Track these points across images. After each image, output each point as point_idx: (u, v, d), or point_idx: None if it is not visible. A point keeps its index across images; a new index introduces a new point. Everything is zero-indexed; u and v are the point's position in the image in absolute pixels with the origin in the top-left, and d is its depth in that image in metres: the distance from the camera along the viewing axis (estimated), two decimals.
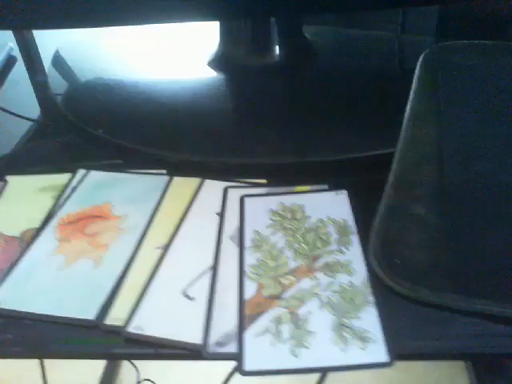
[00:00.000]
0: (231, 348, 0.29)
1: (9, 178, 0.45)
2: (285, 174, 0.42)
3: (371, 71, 0.55)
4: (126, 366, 1.15)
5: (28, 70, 0.67)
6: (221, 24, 0.55)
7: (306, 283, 0.32)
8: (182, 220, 0.38)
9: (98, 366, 1.14)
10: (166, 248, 0.36)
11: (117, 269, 0.35)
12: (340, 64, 0.56)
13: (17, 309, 0.33)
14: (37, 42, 0.72)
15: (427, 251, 0.33)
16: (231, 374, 1.03)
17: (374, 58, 0.58)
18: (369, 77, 0.53)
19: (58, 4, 0.47)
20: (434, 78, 0.44)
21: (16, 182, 0.44)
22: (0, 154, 0.50)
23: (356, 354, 0.28)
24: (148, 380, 0.98)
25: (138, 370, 0.97)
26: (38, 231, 0.39)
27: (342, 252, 0.34)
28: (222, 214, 0.38)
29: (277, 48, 0.53)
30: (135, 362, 0.99)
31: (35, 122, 0.56)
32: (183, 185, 0.42)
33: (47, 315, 0.32)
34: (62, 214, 0.40)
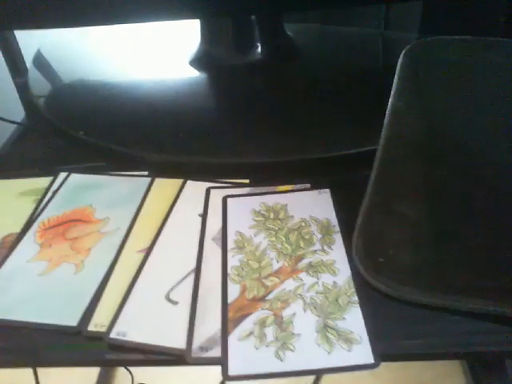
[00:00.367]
0: (215, 352, 0.28)
1: None
2: (267, 174, 0.41)
3: (354, 68, 0.55)
4: (120, 371, 1.15)
5: (10, 71, 0.66)
6: (201, 22, 0.54)
7: (289, 284, 0.32)
8: (164, 222, 0.38)
9: (92, 371, 1.13)
10: (148, 251, 0.36)
11: (99, 273, 0.34)
12: (322, 61, 0.55)
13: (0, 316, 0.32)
14: (18, 42, 0.71)
15: (411, 249, 0.33)
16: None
17: (357, 54, 0.58)
18: (352, 74, 0.53)
19: (39, 4, 0.46)
20: (416, 74, 0.44)
21: None
22: None
23: (341, 356, 0.28)
24: None
25: (132, 375, 0.97)
26: (19, 237, 0.38)
27: (325, 252, 0.34)
28: (204, 216, 0.38)
29: (259, 46, 0.53)
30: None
31: (16, 124, 0.55)
32: (165, 186, 0.42)
33: (30, 322, 0.32)
34: (43, 218, 0.40)
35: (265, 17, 0.52)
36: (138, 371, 1.02)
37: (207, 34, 0.54)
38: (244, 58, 0.53)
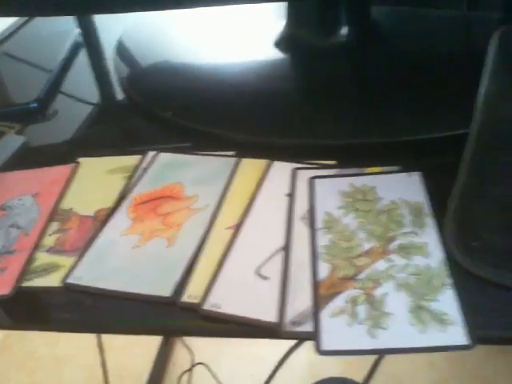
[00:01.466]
0: (307, 327, 0.29)
1: (80, 159, 0.46)
2: (354, 155, 0.41)
3: (439, 50, 0.53)
4: (179, 349, 1.18)
5: (94, 55, 0.68)
6: (288, 3, 0.54)
7: (380, 265, 0.32)
8: (251, 201, 0.38)
9: (151, 347, 1.17)
10: (237, 228, 0.36)
11: (190, 248, 0.35)
12: (407, 43, 0.54)
13: (95, 285, 0.34)
14: (101, 27, 0.74)
15: (506, 233, 0.32)
16: (282, 361, 1.05)
17: (441, 36, 0.56)
18: (437, 56, 0.52)
19: None
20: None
21: (88, 164, 0.46)
22: (71, 137, 0.51)
23: (435, 336, 0.27)
24: (201, 364, 1.00)
25: (192, 354, 0.99)
26: (112, 211, 0.40)
27: (417, 234, 0.33)
28: (291, 195, 0.38)
29: (344, 28, 0.52)
30: (191, 344, 1.01)
31: (102, 106, 0.57)
32: (251, 166, 0.42)
33: (124, 292, 0.33)
34: (135, 194, 0.41)
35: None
36: (197, 350, 1.05)
37: (293, 15, 0.54)
38: (329, 40, 0.53)
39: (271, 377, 0.97)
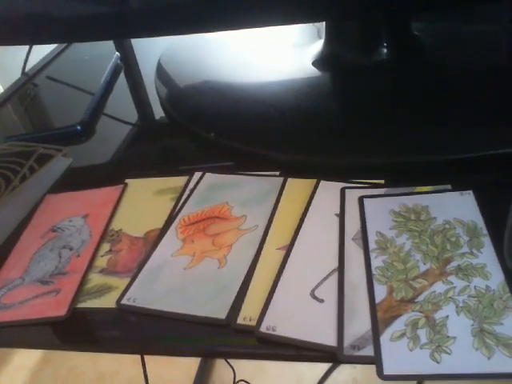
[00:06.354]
0: (367, 351, 0.28)
1: (128, 180, 0.47)
2: (403, 174, 0.40)
3: (485, 66, 0.52)
4: (220, 365, 1.17)
5: (135, 76, 0.70)
6: (327, 23, 0.55)
7: (439, 287, 0.31)
8: (301, 221, 0.38)
9: (192, 364, 1.16)
10: (288, 249, 0.36)
11: (242, 269, 0.35)
12: (449, 59, 0.54)
13: (148, 307, 0.34)
14: (140, 48, 0.75)
15: None
16: (322, 380, 1.03)
17: (485, 52, 0.56)
18: (483, 72, 0.51)
19: (157, 13, 0.48)
20: None
21: (135, 185, 0.46)
22: (116, 159, 0.52)
23: (502, 362, 0.26)
24: (243, 381, 0.99)
25: (234, 371, 0.98)
26: (162, 232, 0.40)
27: (474, 255, 0.33)
28: (341, 216, 0.38)
29: (385, 46, 0.52)
30: (231, 361, 1.01)
31: (144, 127, 0.58)
32: (298, 186, 0.42)
33: (179, 313, 0.33)
34: (183, 214, 0.41)
35: (395, 17, 0.51)
36: (237, 367, 1.04)
37: (332, 34, 0.54)
38: (370, 57, 0.53)
39: None
